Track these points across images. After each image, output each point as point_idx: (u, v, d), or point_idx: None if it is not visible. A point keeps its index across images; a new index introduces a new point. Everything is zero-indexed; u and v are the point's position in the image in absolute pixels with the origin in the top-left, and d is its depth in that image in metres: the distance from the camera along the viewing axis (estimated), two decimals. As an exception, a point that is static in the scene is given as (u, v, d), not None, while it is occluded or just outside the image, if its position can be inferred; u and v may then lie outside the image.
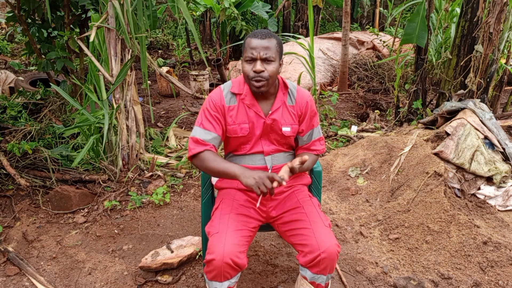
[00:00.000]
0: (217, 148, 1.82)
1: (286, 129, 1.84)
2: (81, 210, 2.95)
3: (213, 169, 1.72)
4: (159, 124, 4.91)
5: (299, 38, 4.68)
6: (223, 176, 1.71)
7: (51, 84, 3.77)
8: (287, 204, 1.87)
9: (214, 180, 2.06)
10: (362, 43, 7.53)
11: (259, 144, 1.86)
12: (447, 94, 3.84)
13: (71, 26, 4.00)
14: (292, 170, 1.69)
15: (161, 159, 3.70)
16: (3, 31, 9.83)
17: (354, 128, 4.46)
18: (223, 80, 7.01)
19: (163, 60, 8.42)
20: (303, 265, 1.70)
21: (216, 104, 1.80)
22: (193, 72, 6.50)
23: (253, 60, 1.70)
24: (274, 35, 1.75)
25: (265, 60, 1.69)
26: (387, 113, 5.22)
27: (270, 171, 1.87)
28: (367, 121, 4.87)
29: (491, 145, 3.02)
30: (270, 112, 1.82)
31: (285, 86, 1.86)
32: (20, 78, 5.35)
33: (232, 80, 1.87)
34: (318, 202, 1.95)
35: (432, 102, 4.35)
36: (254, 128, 1.83)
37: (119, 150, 3.29)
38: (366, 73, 6.86)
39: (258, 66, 1.68)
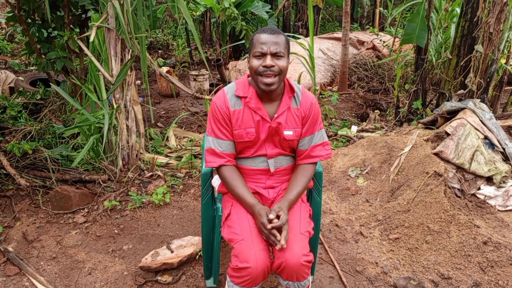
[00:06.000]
0: (234, 154, 1.84)
1: (288, 133, 1.81)
2: (81, 210, 2.95)
3: (230, 191, 1.82)
4: (159, 124, 4.91)
5: (299, 38, 4.68)
6: (238, 200, 1.81)
7: (51, 84, 3.77)
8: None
9: (215, 183, 2.04)
10: (362, 43, 7.53)
11: (263, 147, 1.84)
12: (447, 94, 3.84)
13: (71, 26, 4.00)
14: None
15: (161, 159, 3.70)
16: (3, 31, 9.83)
17: (354, 128, 4.46)
18: (223, 80, 7.01)
19: (163, 60, 8.42)
20: (274, 271, 1.69)
21: (222, 109, 1.78)
22: (193, 72, 6.50)
23: (262, 55, 1.67)
24: (282, 32, 1.74)
25: (275, 55, 1.67)
26: (387, 113, 5.22)
27: (273, 171, 1.87)
28: (367, 121, 4.87)
29: (491, 145, 3.02)
30: (275, 115, 1.79)
31: (292, 90, 1.83)
32: (20, 78, 5.35)
33: (236, 82, 1.84)
34: (309, 208, 1.92)
35: (432, 102, 4.35)
36: (259, 132, 1.80)
37: (119, 150, 3.29)
38: (366, 73, 6.86)
39: (269, 60, 1.65)
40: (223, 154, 1.79)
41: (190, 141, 4.20)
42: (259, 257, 1.59)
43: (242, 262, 1.59)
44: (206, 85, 6.48)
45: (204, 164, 1.97)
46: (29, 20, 3.96)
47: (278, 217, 1.66)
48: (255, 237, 1.66)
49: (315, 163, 1.90)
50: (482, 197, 2.86)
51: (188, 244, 2.44)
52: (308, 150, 1.86)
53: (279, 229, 1.65)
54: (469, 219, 2.56)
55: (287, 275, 1.65)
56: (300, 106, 1.83)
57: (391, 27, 9.63)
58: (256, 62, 1.68)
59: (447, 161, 2.92)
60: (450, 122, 3.17)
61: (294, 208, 1.82)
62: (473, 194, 2.88)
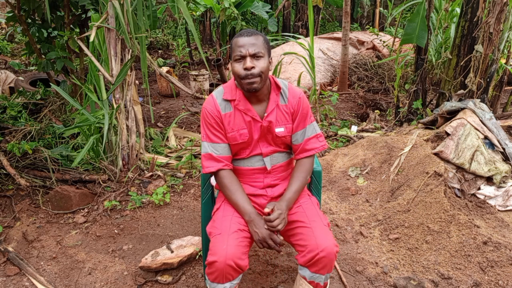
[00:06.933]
0: (230, 156, 1.85)
1: (279, 130, 1.84)
2: (81, 210, 2.95)
3: (227, 197, 1.81)
4: (159, 124, 4.91)
5: (299, 38, 4.68)
6: (235, 207, 1.80)
7: (51, 84, 3.77)
8: None
9: (214, 181, 2.06)
10: (362, 43, 7.53)
11: (257, 147, 1.86)
12: (447, 94, 3.84)
13: (71, 26, 4.00)
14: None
15: (161, 159, 3.70)
16: (3, 31, 9.83)
17: (354, 128, 4.46)
18: (223, 80, 7.00)
19: (163, 60, 8.42)
20: (302, 264, 1.70)
21: (213, 114, 1.80)
22: (193, 72, 6.50)
23: (242, 58, 1.70)
24: (260, 33, 1.76)
25: (254, 56, 1.69)
26: (387, 113, 5.22)
27: (269, 169, 1.88)
28: (367, 121, 4.87)
29: (491, 145, 3.02)
30: (265, 114, 1.82)
31: (278, 87, 1.85)
32: (20, 78, 5.35)
33: (223, 86, 1.86)
34: (317, 201, 1.95)
35: (432, 102, 4.35)
36: (252, 132, 1.83)
37: (119, 150, 3.29)
38: (366, 73, 6.86)
39: (248, 62, 1.68)
40: (221, 158, 1.81)
41: (190, 141, 4.20)
42: (229, 252, 1.59)
43: (211, 256, 1.61)
44: (206, 85, 6.48)
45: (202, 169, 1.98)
46: (29, 20, 3.96)
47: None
48: (232, 233, 1.68)
49: (312, 156, 1.90)
50: (482, 197, 2.86)
51: (188, 244, 2.44)
52: (302, 144, 1.88)
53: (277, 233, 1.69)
54: (469, 219, 2.56)
55: (319, 267, 1.66)
56: (288, 102, 1.85)
57: (391, 27, 9.63)
58: (237, 66, 1.71)
59: (447, 161, 2.92)
60: (450, 122, 3.17)
61: (307, 203, 1.85)
62: (473, 194, 2.88)
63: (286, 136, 1.87)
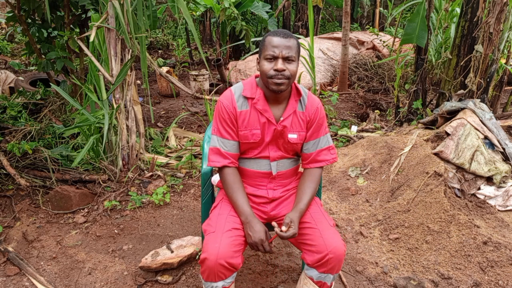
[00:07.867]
0: (237, 154, 1.83)
1: (292, 136, 1.82)
2: (81, 210, 2.95)
3: (228, 194, 1.80)
4: (159, 124, 4.92)
5: (299, 38, 4.68)
6: (234, 206, 1.79)
7: (51, 84, 3.77)
8: (291, 205, 1.86)
9: (215, 180, 2.05)
10: (362, 43, 7.53)
11: (266, 149, 1.85)
12: (447, 94, 3.84)
13: (71, 26, 4.00)
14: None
15: (161, 159, 3.70)
16: (3, 31, 9.83)
17: (354, 128, 4.46)
18: (223, 80, 7.01)
19: (163, 60, 8.42)
20: (310, 265, 1.70)
21: (229, 109, 1.78)
22: (193, 72, 6.50)
23: (274, 58, 1.67)
24: (294, 36, 1.74)
25: (287, 59, 1.67)
26: (387, 113, 5.22)
27: (275, 175, 1.87)
28: (367, 121, 4.87)
29: (491, 145, 3.02)
30: (281, 118, 1.80)
31: (298, 93, 1.84)
32: (20, 78, 5.35)
33: (243, 83, 1.84)
34: (320, 202, 1.95)
35: (432, 102, 4.35)
36: (264, 134, 1.81)
37: (119, 150, 3.29)
38: (366, 73, 6.86)
39: (280, 64, 1.66)
40: (228, 155, 1.79)
41: (190, 141, 4.20)
42: (221, 251, 1.59)
43: (204, 254, 1.61)
44: (206, 85, 6.48)
45: (206, 162, 1.97)
46: (29, 20, 3.96)
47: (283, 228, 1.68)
48: (225, 232, 1.67)
49: (322, 167, 1.90)
50: (482, 197, 2.86)
51: (188, 244, 2.44)
52: (314, 154, 1.86)
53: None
54: (469, 219, 2.56)
55: (329, 268, 1.66)
56: (306, 110, 1.84)
57: (391, 27, 9.63)
58: (267, 65, 1.69)
59: (447, 161, 2.92)
60: (450, 122, 3.17)
61: (312, 205, 1.84)
62: (473, 194, 2.88)
63: (297, 143, 1.85)
